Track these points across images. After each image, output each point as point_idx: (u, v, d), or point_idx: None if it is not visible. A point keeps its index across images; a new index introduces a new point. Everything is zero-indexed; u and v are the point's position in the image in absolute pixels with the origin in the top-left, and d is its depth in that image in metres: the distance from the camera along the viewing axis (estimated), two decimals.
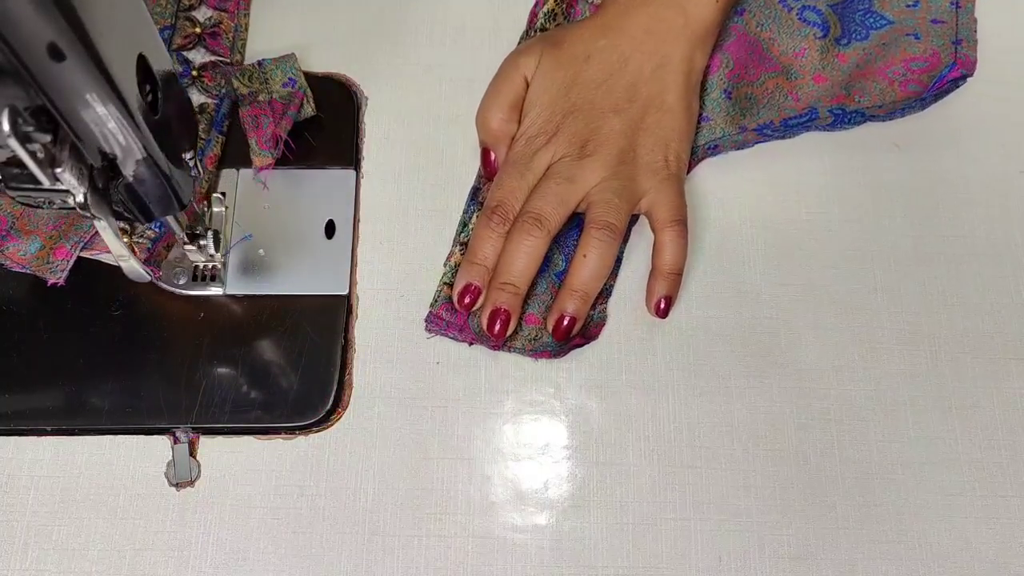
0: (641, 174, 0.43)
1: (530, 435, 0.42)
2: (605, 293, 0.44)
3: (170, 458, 0.40)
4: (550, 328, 0.42)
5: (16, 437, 0.41)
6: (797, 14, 0.48)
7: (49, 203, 0.31)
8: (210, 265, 0.43)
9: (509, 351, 0.42)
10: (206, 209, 0.42)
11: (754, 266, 0.45)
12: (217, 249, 0.41)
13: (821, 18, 0.48)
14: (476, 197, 0.45)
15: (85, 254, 0.42)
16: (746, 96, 0.47)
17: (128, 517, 0.39)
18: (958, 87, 0.47)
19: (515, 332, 0.42)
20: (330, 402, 0.41)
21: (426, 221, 0.45)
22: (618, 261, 0.44)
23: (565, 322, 0.42)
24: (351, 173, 0.46)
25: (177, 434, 0.40)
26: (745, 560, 0.40)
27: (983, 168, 0.48)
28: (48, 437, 0.41)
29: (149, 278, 0.37)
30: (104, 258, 0.42)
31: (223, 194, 0.43)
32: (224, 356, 0.42)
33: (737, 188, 0.47)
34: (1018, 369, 0.43)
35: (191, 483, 0.40)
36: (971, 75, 0.47)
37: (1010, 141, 0.48)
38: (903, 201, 0.47)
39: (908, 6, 0.49)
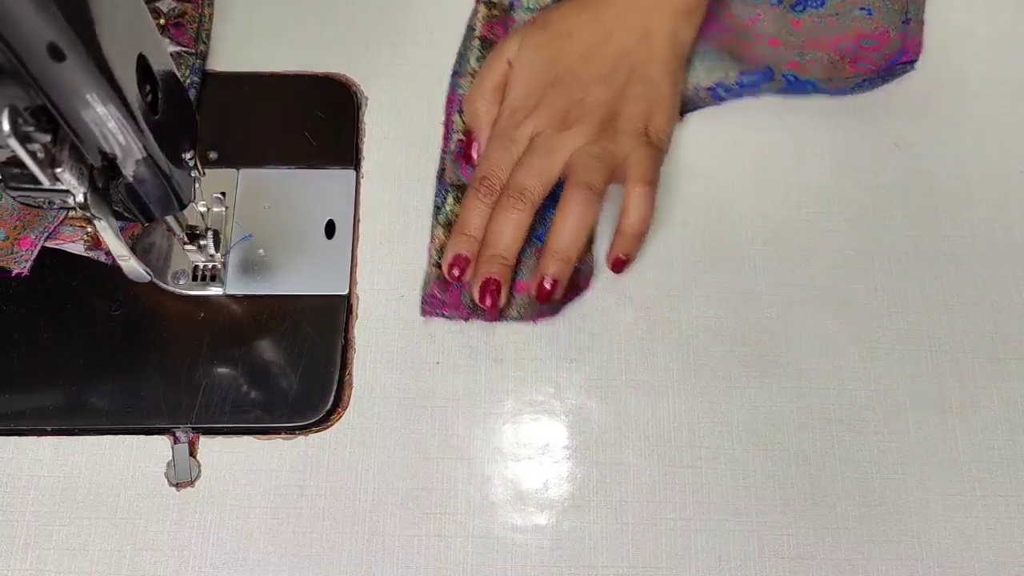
0: (620, 141, 0.43)
1: (530, 435, 0.42)
2: (587, 244, 0.44)
3: (170, 458, 0.40)
4: (534, 293, 0.42)
5: (16, 437, 0.41)
6: None
7: (49, 203, 0.31)
8: (210, 265, 0.43)
9: (506, 321, 0.43)
10: (206, 209, 0.42)
11: (754, 266, 0.45)
12: (217, 249, 0.41)
13: None
14: (443, 179, 0.46)
15: (50, 244, 0.42)
16: (702, 53, 0.47)
17: (128, 517, 0.39)
18: (907, 71, 0.48)
19: (508, 302, 0.43)
20: (330, 402, 0.41)
21: (426, 221, 0.45)
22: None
23: (547, 285, 0.42)
24: (351, 173, 0.46)
25: (177, 434, 0.40)
26: (745, 560, 0.40)
27: (983, 168, 0.48)
28: (48, 437, 0.41)
29: (149, 278, 0.37)
30: (69, 247, 0.42)
31: (223, 194, 0.43)
32: (224, 356, 0.42)
33: (737, 188, 0.47)
34: (1018, 369, 0.43)
35: (191, 483, 0.40)
36: (916, 59, 0.48)
37: (1010, 141, 0.48)
38: (903, 201, 0.47)
39: None
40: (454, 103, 0.47)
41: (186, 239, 0.40)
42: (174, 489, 0.40)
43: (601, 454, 0.41)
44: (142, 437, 0.41)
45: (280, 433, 0.41)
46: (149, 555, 0.39)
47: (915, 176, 0.47)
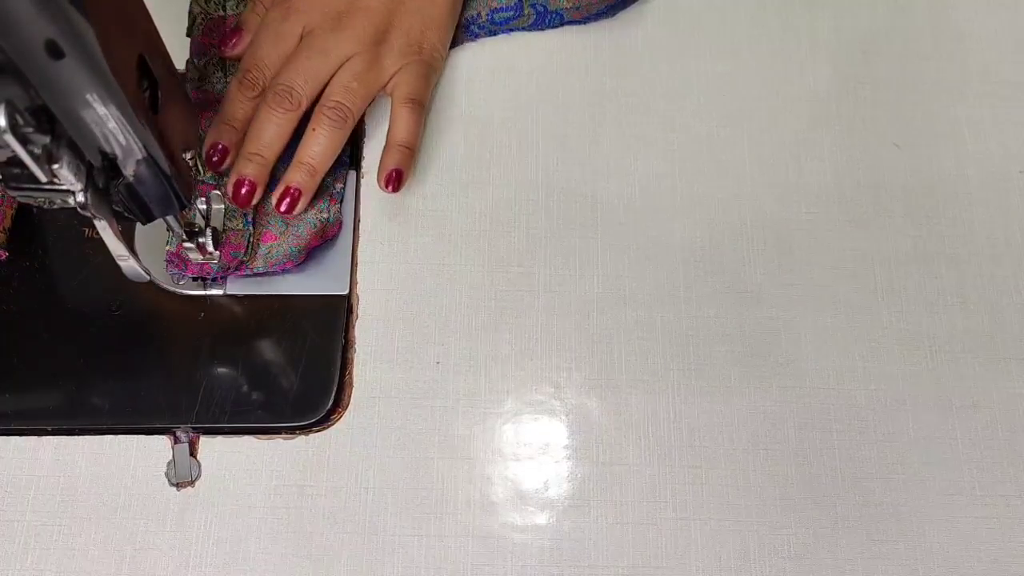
0: (390, 56, 0.44)
1: (530, 435, 0.42)
2: (337, 196, 0.44)
3: (170, 458, 0.40)
4: (275, 199, 0.42)
5: (16, 437, 0.41)
6: None
7: (50, 203, 0.31)
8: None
9: (252, 272, 0.42)
10: (205, 207, 0.42)
11: (754, 266, 0.45)
12: (217, 247, 0.41)
13: None
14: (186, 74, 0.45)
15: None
16: None
17: (128, 517, 0.39)
18: None
19: (253, 253, 0.42)
20: (330, 402, 0.41)
21: (426, 221, 0.45)
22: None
23: (291, 193, 0.42)
24: (351, 173, 0.46)
25: (177, 434, 0.40)
26: (745, 560, 0.40)
27: (983, 168, 0.48)
28: (48, 437, 0.41)
29: (149, 278, 0.37)
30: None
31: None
32: (224, 356, 0.42)
33: (737, 188, 0.47)
34: (1018, 369, 0.43)
35: (191, 483, 0.40)
36: None
37: (1010, 141, 0.48)
38: (903, 201, 0.47)
39: None
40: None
41: (186, 238, 0.40)
42: (174, 489, 0.40)
43: (601, 454, 0.41)
44: (142, 437, 0.41)
45: (280, 433, 0.41)
46: (149, 555, 0.39)
47: (915, 176, 0.47)
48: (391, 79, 0.44)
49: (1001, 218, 0.47)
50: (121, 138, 0.29)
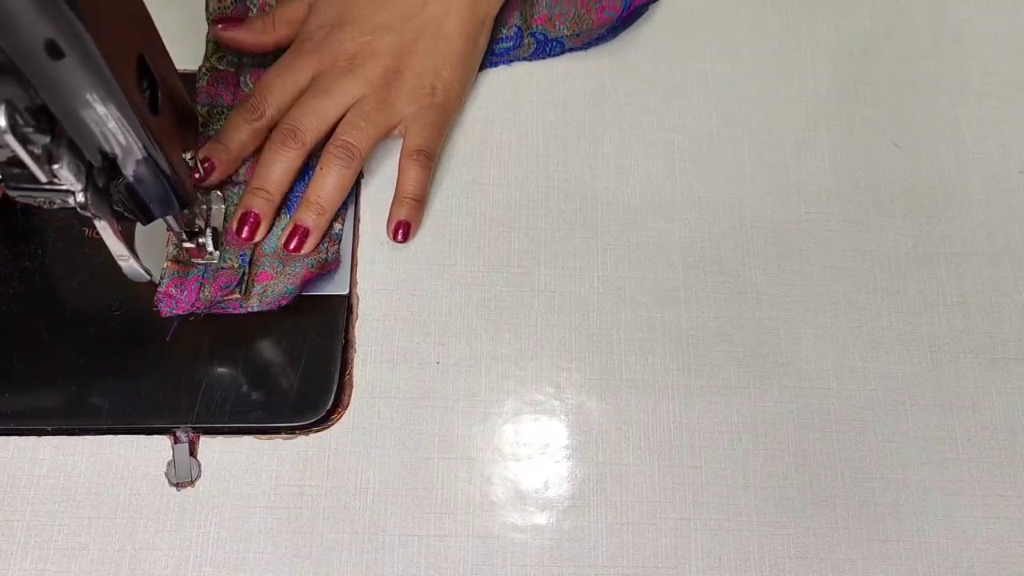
0: (401, 98, 0.43)
1: (530, 435, 0.42)
2: (336, 237, 0.44)
3: (170, 458, 0.40)
4: (284, 238, 0.42)
5: (16, 437, 0.41)
6: None
7: (50, 203, 0.31)
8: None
9: (247, 311, 0.42)
10: (205, 207, 0.42)
11: (754, 266, 0.45)
12: (217, 247, 0.41)
13: None
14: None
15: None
16: None
17: (128, 517, 0.39)
18: (644, 12, 0.49)
19: (248, 292, 0.42)
20: (330, 402, 0.41)
21: (426, 221, 0.45)
22: (356, 199, 0.45)
23: (299, 234, 0.42)
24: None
25: (177, 434, 0.40)
26: (745, 560, 0.40)
27: (983, 168, 0.48)
28: (48, 437, 0.41)
29: (149, 278, 0.37)
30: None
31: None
32: (224, 356, 0.42)
33: (737, 188, 0.47)
34: (1018, 369, 0.43)
35: (191, 483, 0.40)
36: (657, 0, 0.49)
37: (1010, 141, 0.48)
38: (903, 201, 0.47)
39: None
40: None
41: (185, 238, 0.40)
42: (174, 489, 0.40)
43: (601, 454, 0.41)
44: (142, 437, 0.41)
45: (280, 433, 0.41)
46: (149, 555, 0.39)
47: (915, 176, 0.47)
48: (402, 122, 0.44)
49: (1001, 218, 0.47)
50: (121, 138, 0.29)
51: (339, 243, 0.44)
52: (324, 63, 0.43)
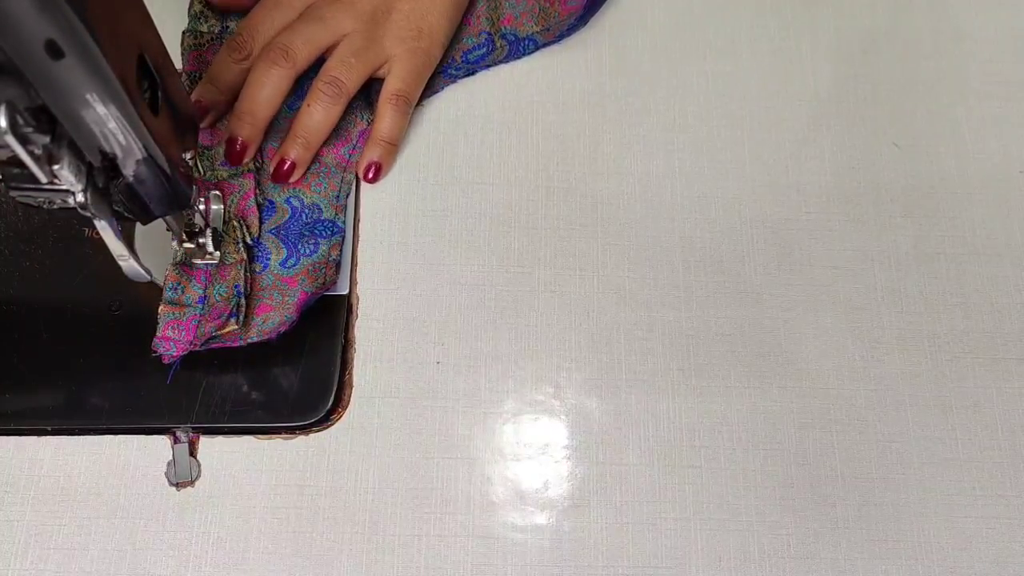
0: (389, 37, 0.44)
1: (530, 435, 0.42)
2: (334, 263, 0.43)
3: (170, 458, 0.40)
4: (271, 170, 0.43)
5: (16, 437, 0.41)
6: None
7: (50, 203, 0.31)
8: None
9: (247, 343, 0.41)
10: (205, 207, 0.42)
11: (754, 266, 0.45)
12: (216, 248, 0.41)
13: None
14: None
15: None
16: None
17: (128, 517, 0.39)
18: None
19: (248, 322, 0.41)
20: (330, 402, 0.41)
21: (426, 221, 0.45)
22: (356, 200, 0.45)
23: (286, 166, 0.43)
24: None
25: (177, 434, 0.40)
26: (745, 560, 0.40)
27: (983, 168, 0.48)
28: (48, 437, 0.41)
29: (149, 278, 0.37)
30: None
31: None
32: (224, 356, 0.42)
33: (737, 188, 0.47)
34: (1018, 369, 0.43)
35: (191, 483, 0.40)
36: None
37: (1010, 141, 0.48)
38: (903, 201, 0.47)
39: None
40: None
41: (185, 238, 0.40)
42: (174, 489, 0.40)
43: (601, 454, 0.41)
44: (142, 437, 0.41)
45: (280, 433, 0.41)
46: (149, 555, 0.39)
47: (915, 176, 0.47)
48: (387, 62, 0.44)
49: (1001, 218, 0.47)
50: (121, 138, 0.29)
51: (337, 269, 0.43)
52: None
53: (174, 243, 0.42)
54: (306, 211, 0.44)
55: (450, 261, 0.45)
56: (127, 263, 0.36)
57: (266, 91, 0.42)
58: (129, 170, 0.31)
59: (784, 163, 0.47)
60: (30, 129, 0.27)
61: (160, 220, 0.36)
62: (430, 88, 0.47)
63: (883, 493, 0.41)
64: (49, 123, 0.27)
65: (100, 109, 0.28)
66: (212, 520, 0.39)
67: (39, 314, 0.42)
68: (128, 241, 0.35)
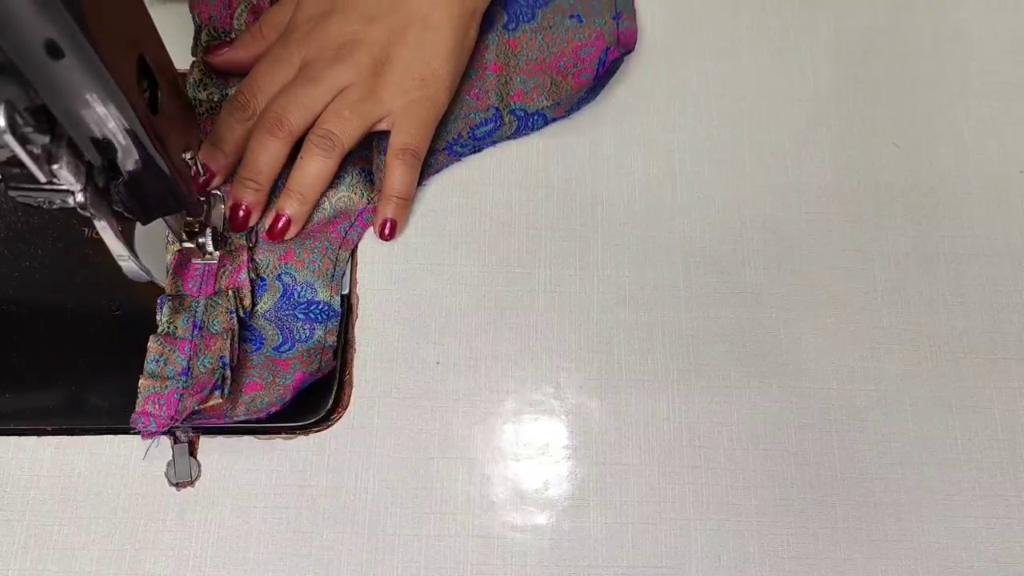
0: (389, 89, 0.43)
1: (530, 435, 0.42)
2: (330, 348, 0.42)
3: (170, 458, 0.40)
4: (266, 226, 0.42)
5: (16, 437, 0.41)
6: None
7: (50, 203, 0.31)
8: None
9: (232, 421, 0.40)
10: (205, 207, 0.42)
11: (754, 266, 0.45)
12: (216, 247, 0.41)
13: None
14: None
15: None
16: None
17: (128, 517, 0.39)
18: (619, 67, 0.48)
19: (235, 401, 0.40)
20: (330, 402, 0.41)
21: (426, 221, 0.45)
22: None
23: (281, 222, 0.42)
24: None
25: (177, 434, 0.40)
26: (745, 560, 0.40)
27: (983, 168, 0.48)
28: (48, 437, 0.41)
29: (149, 278, 0.37)
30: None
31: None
32: None
33: (737, 188, 0.47)
34: (1018, 369, 0.43)
35: (191, 483, 0.40)
36: (631, 51, 0.48)
37: (1010, 141, 0.48)
38: (903, 201, 0.47)
39: None
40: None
41: (185, 237, 0.40)
42: (174, 489, 0.40)
43: (601, 454, 0.41)
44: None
45: (280, 433, 0.41)
46: (149, 555, 0.39)
47: (915, 176, 0.47)
48: (389, 115, 0.43)
49: (1001, 218, 0.47)
50: (121, 138, 0.29)
51: (333, 355, 0.42)
52: (311, 53, 0.43)
53: (169, 244, 0.42)
54: (298, 289, 0.42)
55: (450, 261, 0.45)
56: (127, 263, 0.36)
57: (264, 160, 0.42)
58: (129, 170, 0.31)
59: (784, 163, 0.47)
60: (29, 129, 0.27)
61: (160, 220, 0.36)
62: (433, 167, 0.46)
63: (883, 493, 0.41)
64: (48, 123, 0.27)
65: (100, 109, 0.28)
66: (212, 520, 0.39)
67: (39, 314, 0.42)
68: (128, 241, 0.35)
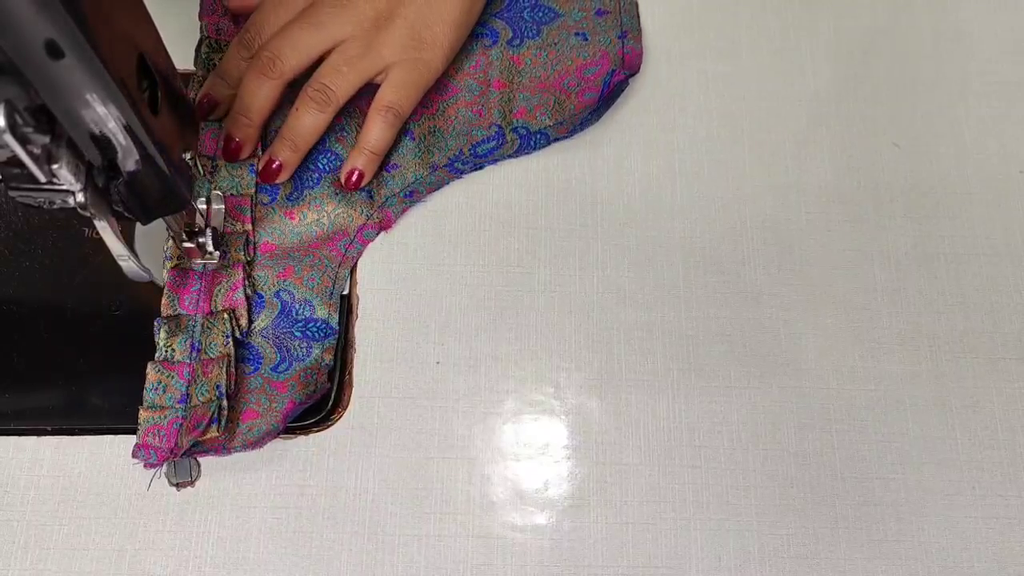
0: (388, 45, 0.43)
1: (530, 435, 0.42)
2: (325, 368, 0.41)
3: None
4: (259, 167, 0.43)
5: (16, 437, 0.41)
6: None
7: (50, 203, 0.31)
8: (210, 264, 0.43)
9: (230, 453, 0.40)
10: (205, 206, 0.42)
11: (754, 266, 0.45)
12: (216, 247, 0.41)
13: (487, 28, 0.48)
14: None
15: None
16: (430, 131, 0.46)
17: (128, 517, 0.39)
18: (624, 89, 0.47)
19: (233, 430, 0.40)
20: (330, 402, 0.41)
21: (426, 221, 0.45)
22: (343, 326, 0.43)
23: (274, 165, 0.43)
24: None
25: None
26: (745, 560, 0.40)
27: (983, 168, 0.48)
28: (48, 437, 0.41)
29: (149, 278, 0.37)
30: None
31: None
32: None
33: (737, 188, 0.47)
34: (1018, 369, 0.43)
35: (191, 483, 0.40)
36: (636, 72, 0.47)
37: (1010, 141, 0.48)
38: (903, 201, 0.47)
39: None
40: None
41: (185, 237, 0.40)
42: (174, 489, 0.40)
43: (601, 454, 0.41)
44: None
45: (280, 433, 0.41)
46: (149, 555, 0.39)
47: (915, 176, 0.47)
48: (385, 70, 0.43)
49: (1001, 218, 0.47)
50: (121, 138, 0.29)
51: (328, 375, 0.41)
52: None
53: (169, 244, 0.42)
54: (296, 306, 0.42)
55: (450, 261, 0.45)
56: (127, 263, 0.36)
57: (257, 100, 0.42)
58: (129, 170, 0.31)
59: (784, 163, 0.47)
60: (29, 129, 0.27)
61: (160, 220, 0.36)
62: (434, 184, 0.45)
63: (883, 493, 0.41)
64: (48, 123, 0.27)
65: (100, 109, 0.28)
66: (212, 520, 0.39)
67: (39, 314, 0.42)
68: (128, 241, 0.35)
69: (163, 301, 0.41)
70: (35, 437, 0.41)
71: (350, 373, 0.42)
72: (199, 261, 0.42)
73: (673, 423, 0.42)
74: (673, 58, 0.50)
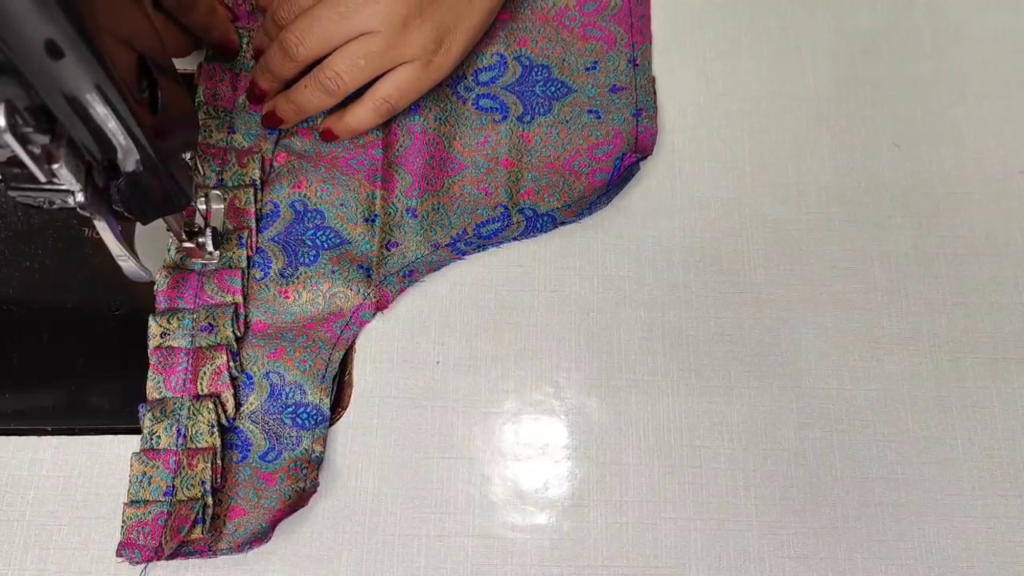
0: (411, 47, 0.43)
1: (530, 435, 0.42)
2: (316, 461, 0.40)
3: None
4: (264, 112, 0.44)
5: (16, 437, 0.41)
6: (472, 104, 0.47)
7: (50, 203, 0.31)
8: (210, 263, 0.43)
9: (216, 555, 0.38)
10: (205, 206, 0.42)
11: (754, 266, 0.45)
12: (216, 247, 0.41)
13: (498, 102, 0.47)
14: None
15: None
16: (433, 208, 0.45)
17: None
18: (636, 172, 0.46)
19: (219, 528, 0.38)
20: (330, 402, 0.41)
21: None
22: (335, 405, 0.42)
23: (273, 117, 0.44)
24: None
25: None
26: (744, 560, 0.40)
27: (983, 168, 0.48)
28: (48, 437, 0.41)
29: (149, 278, 0.37)
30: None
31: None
32: None
33: (738, 189, 0.47)
34: (1018, 369, 0.43)
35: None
36: (650, 153, 0.46)
37: (1010, 141, 0.48)
38: (903, 201, 0.47)
39: (587, 69, 0.48)
40: None
41: (185, 237, 0.40)
42: None
43: (601, 454, 0.41)
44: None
45: None
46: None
47: (915, 176, 0.47)
48: (399, 65, 0.43)
49: (1001, 218, 0.47)
50: (121, 138, 0.29)
51: (319, 467, 0.40)
52: None
53: (170, 244, 0.41)
54: (287, 390, 0.41)
55: (450, 261, 0.45)
56: (127, 263, 0.36)
57: (278, 68, 0.43)
58: (129, 170, 0.31)
59: (784, 163, 0.47)
60: (29, 129, 0.27)
61: (160, 220, 0.36)
62: (435, 264, 0.44)
63: (883, 493, 0.41)
64: (48, 122, 0.27)
65: (100, 109, 0.28)
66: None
67: (39, 314, 0.42)
68: (128, 241, 0.35)
69: (148, 384, 0.40)
70: (35, 437, 0.41)
71: (350, 373, 0.42)
72: (199, 261, 0.42)
73: (673, 423, 0.42)
74: (673, 58, 0.50)
